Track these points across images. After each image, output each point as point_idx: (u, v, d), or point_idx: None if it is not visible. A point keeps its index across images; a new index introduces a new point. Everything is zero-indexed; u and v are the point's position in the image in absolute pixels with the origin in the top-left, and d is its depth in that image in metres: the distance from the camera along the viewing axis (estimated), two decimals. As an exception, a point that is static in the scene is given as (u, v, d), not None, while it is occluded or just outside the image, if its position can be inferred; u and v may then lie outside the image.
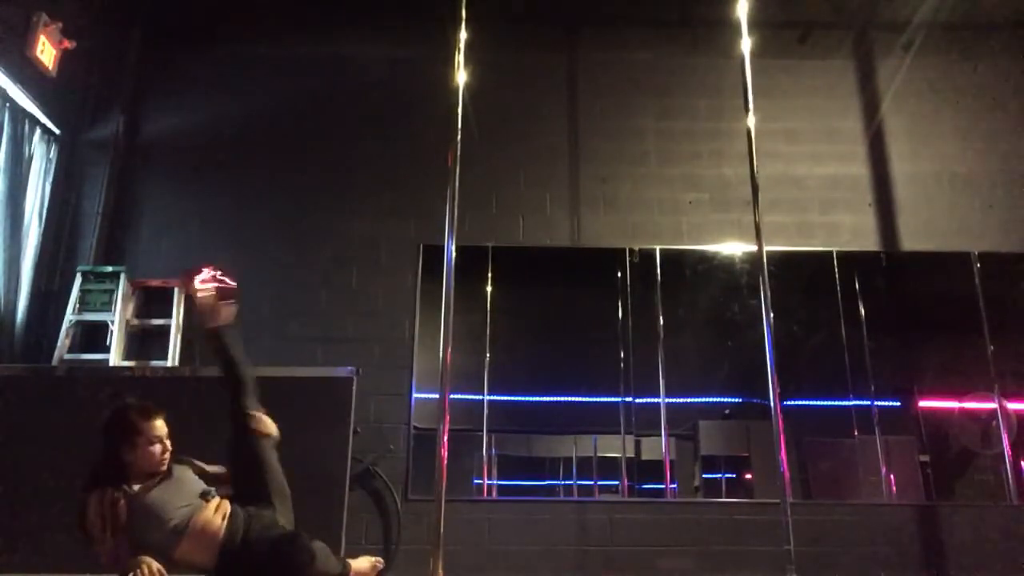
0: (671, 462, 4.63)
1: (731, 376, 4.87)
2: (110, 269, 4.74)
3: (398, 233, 5.01)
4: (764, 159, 4.36)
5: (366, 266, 4.96)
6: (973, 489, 4.67)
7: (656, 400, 4.70)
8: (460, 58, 3.25)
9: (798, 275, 4.94)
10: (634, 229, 5.06)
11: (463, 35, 3.29)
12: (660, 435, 4.64)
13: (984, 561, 4.34)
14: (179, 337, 4.71)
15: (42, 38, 4.65)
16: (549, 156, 5.22)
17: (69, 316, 4.59)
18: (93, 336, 4.74)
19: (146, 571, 2.39)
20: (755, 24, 3.81)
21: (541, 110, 5.34)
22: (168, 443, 2.63)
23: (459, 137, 3.16)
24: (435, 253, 4.87)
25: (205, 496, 2.62)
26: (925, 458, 4.65)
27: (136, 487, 2.53)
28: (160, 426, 2.62)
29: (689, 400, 4.80)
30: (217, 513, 2.57)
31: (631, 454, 4.63)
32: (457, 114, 3.17)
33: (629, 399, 4.71)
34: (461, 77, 3.23)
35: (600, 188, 5.16)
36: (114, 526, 2.46)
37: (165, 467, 2.61)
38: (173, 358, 4.63)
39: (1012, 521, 4.45)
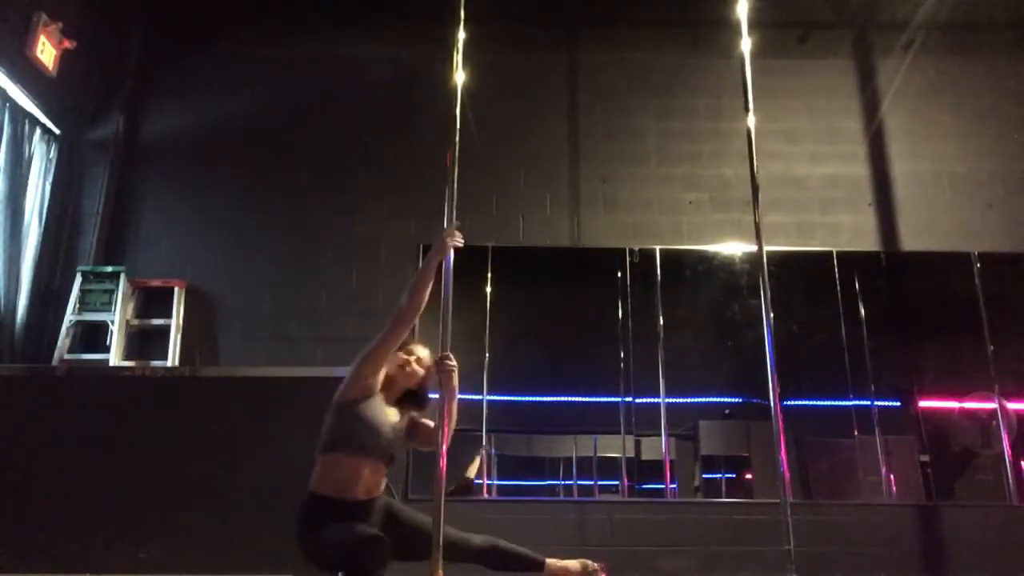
0: (671, 462, 4.63)
1: (731, 376, 4.87)
2: (110, 269, 4.74)
3: (398, 233, 5.01)
4: (764, 159, 4.35)
5: (366, 266, 4.96)
6: (973, 489, 4.67)
7: (656, 400, 4.69)
8: (459, 58, 3.24)
9: (798, 275, 4.94)
10: (634, 229, 5.06)
11: (462, 35, 3.28)
12: (660, 435, 4.64)
13: (984, 561, 4.34)
14: (179, 337, 4.71)
15: (42, 38, 4.65)
16: (549, 156, 5.22)
17: (69, 316, 4.60)
18: (93, 336, 4.74)
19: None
20: (755, 24, 3.79)
21: (541, 110, 5.33)
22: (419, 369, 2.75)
23: (459, 137, 3.15)
24: (435, 253, 4.86)
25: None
26: (925, 458, 4.65)
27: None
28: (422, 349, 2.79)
29: (689, 400, 4.80)
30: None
31: (631, 454, 4.63)
32: (456, 114, 3.16)
33: (629, 399, 4.71)
34: (460, 77, 3.22)
35: (600, 188, 5.15)
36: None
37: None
38: (173, 358, 4.63)
39: (1012, 521, 4.45)
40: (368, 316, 4.84)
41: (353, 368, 2.61)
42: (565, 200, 5.12)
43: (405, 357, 2.73)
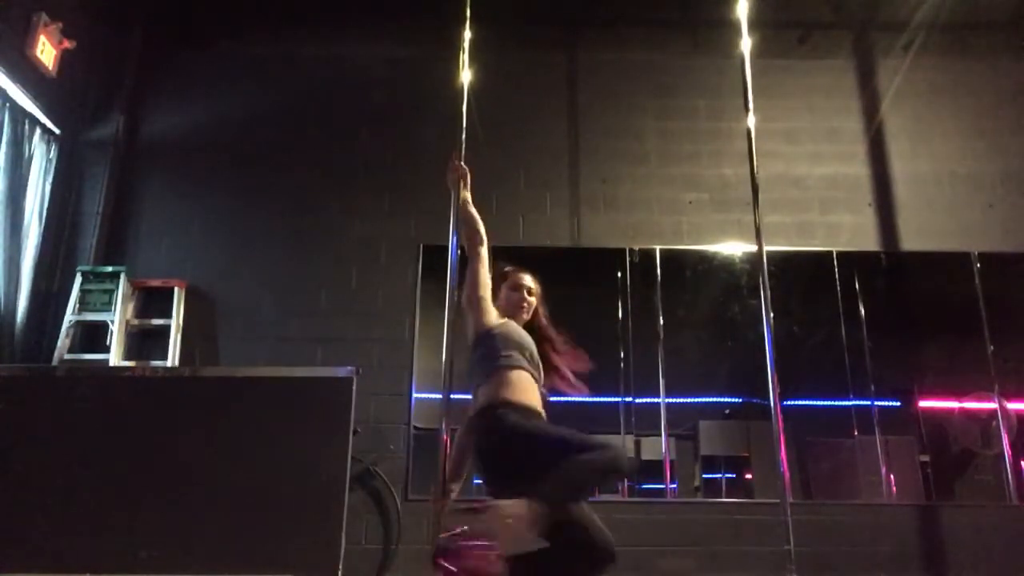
0: (671, 462, 4.63)
1: (731, 376, 4.87)
2: (110, 269, 4.74)
3: (398, 233, 5.01)
4: (764, 159, 4.36)
5: (366, 266, 4.96)
6: (973, 489, 4.67)
7: (656, 400, 4.70)
8: (464, 58, 3.24)
9: (798, 275, 4.94)
10: (634, 229, 5.06)
11: (467, 35, 3.28)
12: (660, 435, 4.64)
13: (984, 561, 4.34)
14: (179, 337, 4.71)
15: (42, 38, 4.65)
16: (549, 156, 5.22)
17: (69, 316, 4.59)
18: (93, 336, 4.74)
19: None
20: (755, 24, 3.80)
21: (541, 110, 5.33)
22: (532, 299, 2.95)
23: (463, 136, 3.16)
24: (435, 253, 4.87)
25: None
26: (925, 458, 4.65)
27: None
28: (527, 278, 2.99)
29: (689, 400, 4.80)
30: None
31: (631, 454, 4.63)
32: (462, 113, 3.17)
33: (629, 399, 4.71)
34: (466, 77, 3.23)
35: (600, 188, 5.16)
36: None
37: (525, 316, 2.89)
38: (173, 358, 4.63)
39: (1012, 521, 4.45)
40: (368, 316, 4.84)
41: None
42: (565, 200, 5.12)
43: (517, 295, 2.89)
